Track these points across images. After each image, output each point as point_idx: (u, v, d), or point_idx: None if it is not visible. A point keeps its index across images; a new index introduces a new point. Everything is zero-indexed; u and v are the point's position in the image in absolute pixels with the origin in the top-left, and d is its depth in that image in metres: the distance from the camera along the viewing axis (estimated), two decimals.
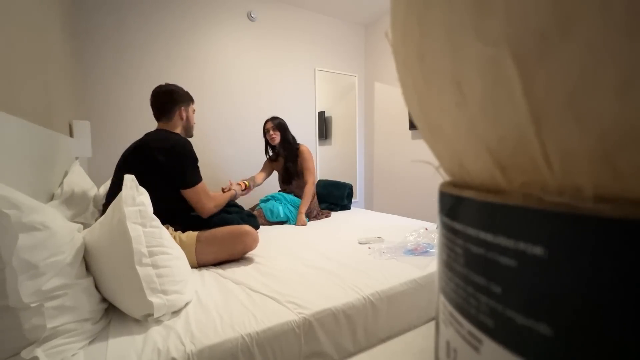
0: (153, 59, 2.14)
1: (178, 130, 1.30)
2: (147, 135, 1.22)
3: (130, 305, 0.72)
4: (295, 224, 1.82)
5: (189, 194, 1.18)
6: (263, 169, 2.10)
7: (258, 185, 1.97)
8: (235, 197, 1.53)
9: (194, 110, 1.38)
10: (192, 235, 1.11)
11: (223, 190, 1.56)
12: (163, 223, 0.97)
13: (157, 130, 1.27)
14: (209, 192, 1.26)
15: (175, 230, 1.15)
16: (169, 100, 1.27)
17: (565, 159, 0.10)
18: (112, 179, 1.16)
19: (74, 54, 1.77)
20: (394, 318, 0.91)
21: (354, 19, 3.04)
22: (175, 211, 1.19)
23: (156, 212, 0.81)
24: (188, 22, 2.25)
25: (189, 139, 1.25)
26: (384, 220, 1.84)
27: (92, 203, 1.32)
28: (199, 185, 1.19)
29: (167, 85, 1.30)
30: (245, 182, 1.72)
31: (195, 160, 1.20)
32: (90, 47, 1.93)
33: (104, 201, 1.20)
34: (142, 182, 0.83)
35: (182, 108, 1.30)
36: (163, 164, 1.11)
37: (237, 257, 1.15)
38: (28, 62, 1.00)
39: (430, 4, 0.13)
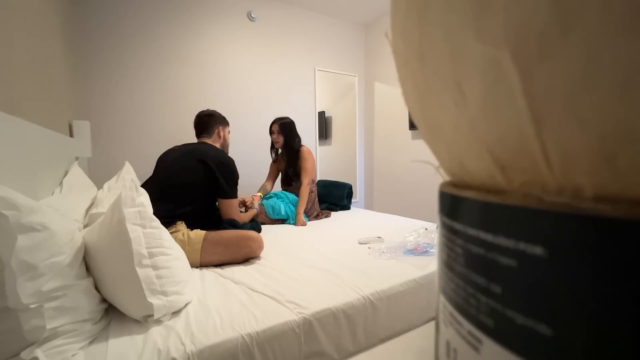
0: (153, 59, 2.14)
1: (217, 146, 1.49)
2: (200, 145, 1.41)
3: (130, 306, 0.72)
4: (295, 224, 1.83)
5: (224, 203, 1.36)
6: (269, 175, 2.19)
7: (269, 192, 2.10)
8: (256, 214, 1.77)
9: (229, 132, 1.63)
10: (200, 233, 1.16)
11: (245, 202, 1.80)
12: (187, 221, 1.20)
13: (204, 143, 1.45)
14: (238, 208, 1.46)
15: (186, 227, 1.21)
16: (209, 119, 1.51)
17: (565, 159, 0.10)
18: (162, 176, 1.30)
19: (74, 54, 1.77)
20: (394, 318, 0.91)
21: (354, 19, 3.04)
22: (202, 214, 1.31)
23: (186, 211, 1.16)
24: (188, 22, 2.25)
25: None
26: (384, 220, 1.84)
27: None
28: (234, 200, 1.38)
29: (208, 109, 1.57)
30: (260, 194, 1.95)
31: (238, 177, 1.41)
32: (90, 47, 1.93)
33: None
34: (194, 186, 1.24)
35: (220, 128, 1.54)
36: (215, 173, 1.30)
37: (240, 260, 1.16)
38: (28, 62, 1.00)
39: (430, 4, 0.13)
